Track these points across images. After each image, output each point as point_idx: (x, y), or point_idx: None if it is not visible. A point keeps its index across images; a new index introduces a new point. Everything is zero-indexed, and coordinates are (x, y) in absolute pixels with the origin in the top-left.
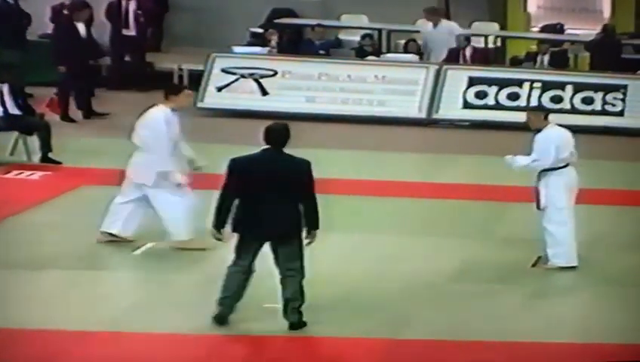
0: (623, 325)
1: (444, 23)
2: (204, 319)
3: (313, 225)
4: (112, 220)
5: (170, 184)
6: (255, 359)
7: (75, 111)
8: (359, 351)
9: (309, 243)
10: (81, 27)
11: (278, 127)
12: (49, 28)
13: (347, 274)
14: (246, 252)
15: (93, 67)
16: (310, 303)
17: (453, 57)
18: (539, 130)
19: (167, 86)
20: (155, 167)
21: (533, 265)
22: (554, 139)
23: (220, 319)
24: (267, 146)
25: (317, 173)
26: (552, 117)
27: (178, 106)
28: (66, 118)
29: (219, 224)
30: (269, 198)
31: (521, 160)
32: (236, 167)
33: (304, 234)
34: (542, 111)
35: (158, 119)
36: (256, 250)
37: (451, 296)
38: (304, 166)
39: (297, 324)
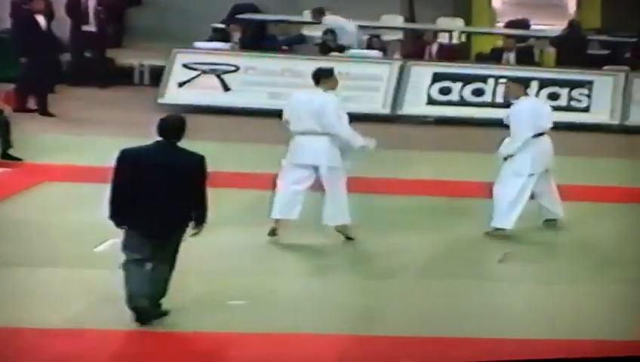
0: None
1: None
2: (168, 315)
3: (201, 219)
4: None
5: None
6: (220, 357)
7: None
8: (328, 347)
9: (195, 234)
10: (41, 20)
11: (172, 119)
12: (9, 23)
13: (314, 270)
14: (138, 246)
15: (55, 61)
16: (277, 300)
17: (419, 53)
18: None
19: (317, 70)
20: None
21: (501, 261)
22: (527, 109)
23: (140, 318)
24: (160, 139)
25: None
26: None
27: (331, 88)
28: (20, 109)
29: (117, 219)
30: (158, 193)
31: (507, 147)
32: (125, 158)
33: (191, 227)
34: (522, 84)
35: (335, 104)
36: (151, 244)
37: (419, 292)
38: (197, 160)
39: (145, 314)
